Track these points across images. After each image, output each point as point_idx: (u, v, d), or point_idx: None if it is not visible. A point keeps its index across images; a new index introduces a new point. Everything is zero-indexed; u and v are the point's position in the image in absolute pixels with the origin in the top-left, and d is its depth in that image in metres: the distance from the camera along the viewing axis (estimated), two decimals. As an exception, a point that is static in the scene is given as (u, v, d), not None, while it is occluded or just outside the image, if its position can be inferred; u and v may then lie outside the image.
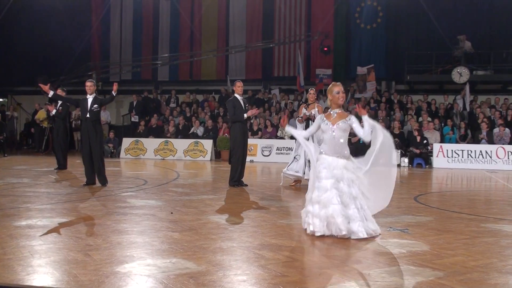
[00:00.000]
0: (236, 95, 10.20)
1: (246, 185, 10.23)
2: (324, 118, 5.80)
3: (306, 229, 5.71)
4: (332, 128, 5.70)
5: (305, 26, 24.21)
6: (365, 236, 5.40)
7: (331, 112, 5.81)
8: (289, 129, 6.48)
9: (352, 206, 5.50)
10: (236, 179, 10.17)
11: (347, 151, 5.73)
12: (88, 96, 9.82)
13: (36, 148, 21.67)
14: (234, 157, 10.13)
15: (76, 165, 14.41)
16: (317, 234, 5.46)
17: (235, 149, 10.12)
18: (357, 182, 5.64)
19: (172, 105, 23.43)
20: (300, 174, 10.31)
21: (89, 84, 9.93)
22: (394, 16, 23.28)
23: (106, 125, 21.92)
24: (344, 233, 5.36)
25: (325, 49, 22.66)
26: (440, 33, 21.50)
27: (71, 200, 7.95)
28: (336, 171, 5.59)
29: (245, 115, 10.07)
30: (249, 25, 24.85)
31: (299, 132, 6.76)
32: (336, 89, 5.79)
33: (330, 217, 5.42)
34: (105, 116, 21.98)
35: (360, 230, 5.41)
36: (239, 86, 10.25)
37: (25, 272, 4.03)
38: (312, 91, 10.59)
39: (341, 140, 5.69)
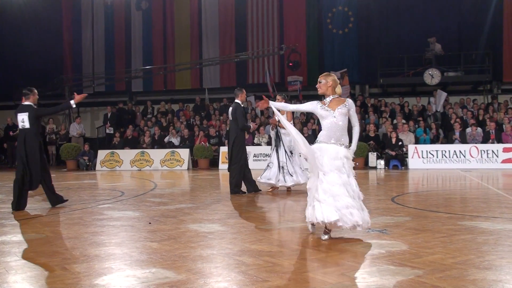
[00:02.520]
0: (237, 101, 10.17)
1: (244, 193, 10.22)
2: (322, 105, 5.71)
3: (313, 225, 5.68)
4: (333, 113, 5.62)
5: (277, 33, 24.33)
6: (365, 226, 5.46)
7: (326, 100, 5.74)
8: (272, 105, 6.34)
9: (355, 196, 5.50)
10: (240, 185, 10.19)
11: (346, 138, 5.68)
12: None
13: (9, 163, 21.30)
14: (238, 164, 10.07)
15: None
16: (339, 223, 5.32)
17: (238, 156, 10.07)
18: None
19: (149, 115, 23.29)
20: (272, 182, 10.31)
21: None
22: (365, 20, 23.59)
23: (81, 138, 21.67)
24: (360, 223, 5.35)
25: (290, 64, 21.84)
26: (410, 36, 21.87)
27: (47, 214, 7.80)
28: (337, 161, 5.51)
29: (251, 126, 10.30)
30: (222, 35, 24.88)
31: (284, 105, 6.75)
32: (319, 79, 5.81)
33: (345, 208, 5.34)
34: (80, 128, 21.74)
35: (362, 220, 5.40)
36: (244, 94, 10.32)
37: (1, 289, 3.94)
38: (279, 97, 10.53)
39: (341, 125, 5.61)
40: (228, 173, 10.26)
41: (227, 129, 16.99)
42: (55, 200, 8.60)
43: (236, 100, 10.21)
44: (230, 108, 10.39)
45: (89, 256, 4.96)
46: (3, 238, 5.92)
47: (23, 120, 8.27)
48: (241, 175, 10.14)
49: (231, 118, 10.29)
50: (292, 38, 24.07)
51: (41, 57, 24.81)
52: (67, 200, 8.81)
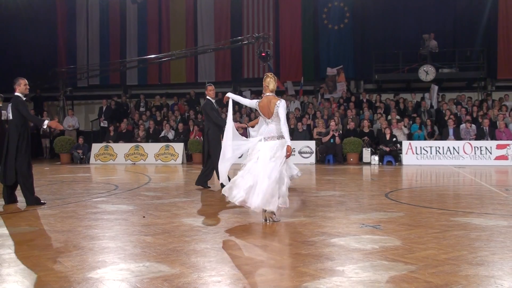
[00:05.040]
0: (209, 98, 10.16)
1: (209, 187, 10.25)
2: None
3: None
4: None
5: (273, 28, 24.27)
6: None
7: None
8: (231, 96, 7.02)
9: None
10: (208, 180, 10.21)
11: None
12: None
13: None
14: (212, 159, 10.05)
15: (44, 172, 14.16)
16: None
17: (213, 151, 10.04)
18: None
19: (142, 109, 23.22)
20: None
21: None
22: (361, 16, 23.56)
23: (74, 131, 21.60)
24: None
25: (263, 54, 19.54)
26: (406, 32, 21.89)
27: (40, 208, 7.78)
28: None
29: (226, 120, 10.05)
30: (217, 30, 24.79)
31: (239, 98, 7.16)
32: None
33: None
34: (72, 121, 21.66)
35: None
36: (211, 90, 10.18)
37: (-6, 282, 3.93)
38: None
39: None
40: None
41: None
42: (32, 199, 7.98)
43: (207, 97, 10.23)
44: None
45: (82, 249, 4.96)
46: (-4, 231, 5.91)
47: (9, 110, 8.06)
48: (212, 170, 10.14)
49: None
50: (288, 33, 24.03)
51: (36, 50, 24.62)
52: (44, 203, 8.08)
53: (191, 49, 23.59)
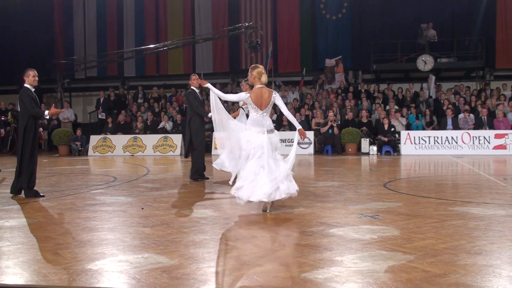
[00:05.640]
0: (193, 88, 10.12)
1: (207, 178, 10.18)
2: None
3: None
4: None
5: (271, 18, 24.18)
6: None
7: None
8: (210, 88, 7.03)
9: None
10: (201, 172, 10.14)
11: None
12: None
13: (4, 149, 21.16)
14: (197, 150, 10.05)
15: (42, 164, 14.14)
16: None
17: (196, 142, 10.03)
18: None
19: (140, 100, 23.18)
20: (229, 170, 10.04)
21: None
22: (359, 6, 23.46)
23: (70, 123, 21.56)
24: None
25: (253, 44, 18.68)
26: (404, 22, 21.80)
27: (39, 200, 7.77)
28: None
29: (210, 115, 9.48)
30: (214, 20, 24.68)
31: (218, 92, 7.08)
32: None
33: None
34: (69, 114, 21.62)
35: None
36: (194, 79, 10.08)
37: (-7, 274, 3.93)
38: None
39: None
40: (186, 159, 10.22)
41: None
42: (30, 193, 7.95)
43: (191, 87, 10.18)
44: None
45: (81, 241, 4.96)
46: (-5, 223, 5.90)
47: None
48: (201, 160, 10.12)
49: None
50: (285, 23, 23.94)
51: (33, 42, 24.52)
52: (42, 196, 8.02)
53: (185, 39, 23.35)
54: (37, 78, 8.08)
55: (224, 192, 8.28)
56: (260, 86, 6.50)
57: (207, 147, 19.19)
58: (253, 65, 6.66)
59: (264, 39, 23.78)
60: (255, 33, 19.79)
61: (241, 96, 6.64)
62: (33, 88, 8.03)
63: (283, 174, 6.23)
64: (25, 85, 7.97)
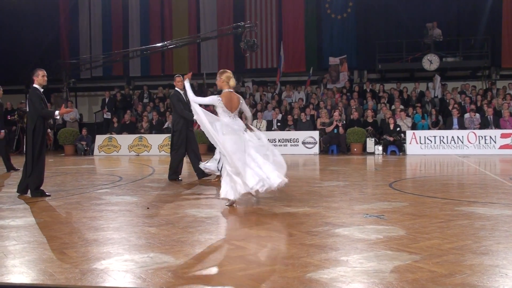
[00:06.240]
0: (177, 89, 10.09)
1: (181, 180, 10.15)
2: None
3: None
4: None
5: (276, 17, 24.17)
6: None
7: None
8: (187, 86, 7.33)
9: None
10: (179, 173, 10.19)
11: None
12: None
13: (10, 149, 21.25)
14: (178, 151, 10.05)
15: (48, 163, 14.17)
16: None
17: (178, 143, 10.01)
18: None
19: (145, 100, 23.22)
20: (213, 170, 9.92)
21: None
22: (364, 5, 23.41)
23: (76, 123, 21.64)
24: None
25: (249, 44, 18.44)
26: (409, 21, 21.74)
27: (44, 199, 7.80)
28: None
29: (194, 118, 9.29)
30: (220, 19, 24.69)
31: (192, 96, 7.18)
32: None
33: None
34: (74, 114, 21.70)
35: None
36: (179, 81, 10.01)
37: (-1, 273, 3.95)
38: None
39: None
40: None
41: None
42: (36, 192, 7.93)
43: (176, 88, 10.15)
44: None
45: (87, 240, 4.97)
46: (1, 222, 5.93)
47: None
48: (179, 162, 10.14)
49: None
50: (290, 22, 23.92)
51: (38, 42, 24.63)
52: (49, 196, 8.02)
53: (182, 39, 23.29)
54: (46, 78, 8.10)
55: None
56: (228, 90, 6.92)
57: (213, 147, 19.24)
58: (221, 70, 7.10)
59: (269, 38, 23.82)
60: (250, 33, 19.75)
61: (213, 100, 6.95)
62: (42, 88, 8.05)
63: (267, 170, 6.71)
64: (34, 85, 7.99)
